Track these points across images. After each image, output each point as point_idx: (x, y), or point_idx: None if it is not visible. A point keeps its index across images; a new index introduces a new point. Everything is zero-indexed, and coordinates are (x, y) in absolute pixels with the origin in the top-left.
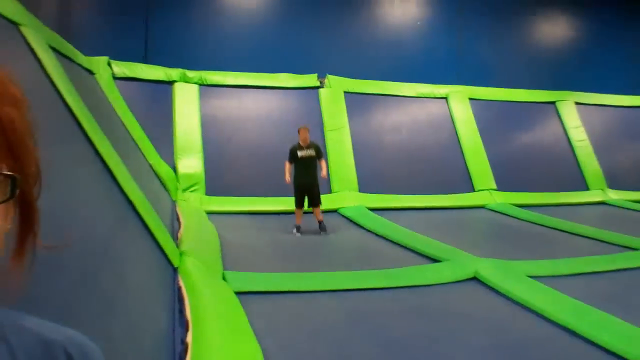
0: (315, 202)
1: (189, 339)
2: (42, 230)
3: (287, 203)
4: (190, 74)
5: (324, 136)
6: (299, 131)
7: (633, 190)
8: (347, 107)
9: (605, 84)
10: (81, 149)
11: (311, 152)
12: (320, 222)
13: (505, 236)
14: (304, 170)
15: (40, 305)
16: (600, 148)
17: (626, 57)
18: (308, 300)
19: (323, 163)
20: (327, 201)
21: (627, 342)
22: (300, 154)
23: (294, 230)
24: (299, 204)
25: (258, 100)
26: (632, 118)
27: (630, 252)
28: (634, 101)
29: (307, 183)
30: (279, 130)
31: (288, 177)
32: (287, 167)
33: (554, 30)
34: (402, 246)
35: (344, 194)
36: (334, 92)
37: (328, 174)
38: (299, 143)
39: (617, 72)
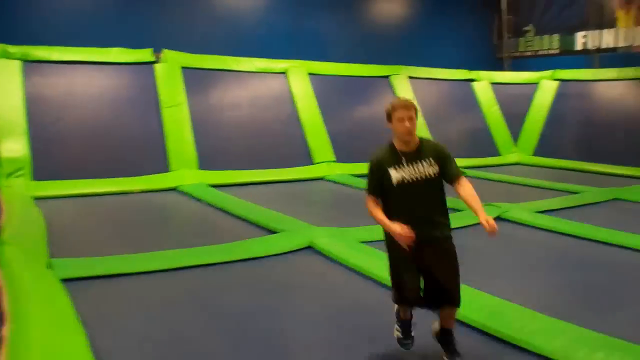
0: (445, 291)
1: (4, 332)
2: None
3: (124, 184)
4: (12, 49)
5: (160, 113)
6: (391, 112)
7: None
8: (185, 82)
9: (434, 60)
10: None
11: (427, 168)
12: (445, 332)
13: (342, 205)
14: (410, 209)
15: None
16: (431, 118)
17: (452, 36)
18: (142, 282)
19: (466, 188)
20: (163, 180)
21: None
22: (398, 175)
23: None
24: (403, 291)
25: (89, 76)
26: (458, 90)
27: (452, 213)
28: (461, 75)
29: (424, 236)
30: (113, 108)
31: (389, 224)
32: (374, 209)
33: (389, 8)
34: (240, 219)
35: (182, 172)
36: (170, 67)
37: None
38: (392, 145)
39: (444, 49)
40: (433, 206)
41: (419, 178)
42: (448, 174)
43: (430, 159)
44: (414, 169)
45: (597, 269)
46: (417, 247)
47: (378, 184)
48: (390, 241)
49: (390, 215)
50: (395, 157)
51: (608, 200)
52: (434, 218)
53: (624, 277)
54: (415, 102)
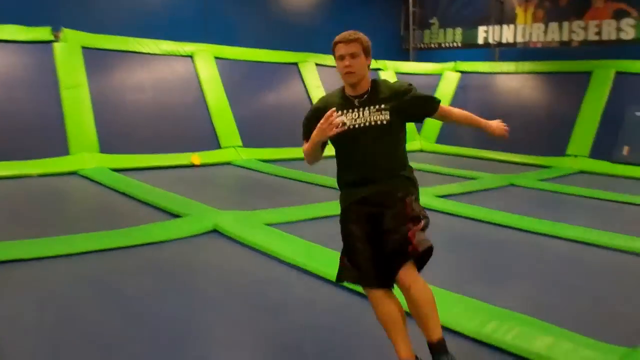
0: (397, 251)
1: None
2: None
3: (20, 167)
4: None
5: (59, 94)
6: (333, 49)
7: None
8: (85, 63)
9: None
10: None
11: (373, 115)
12: (435, 346)
13: (249, 189)
14: (359, 162)
15: None
16: None
17: (360, 25)
18: (38, 268)
19: (452, 110)
20: (62, 164)
21: None
22: (341, 119)
23: None
24: (360, 264)
25: None
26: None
27: None
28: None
29: (373, 196)
30: (8, 88)
31: (314, 134)
32: (308, 150)
33: None
34: (144, 203)
35: (83, 155)
36: (70, 47)
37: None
38: (342, 89)
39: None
40: (384, 159)
41: (362, 125)
42: (423, 110)
43: (382, 104)
44: (358, 115)
45: (492, 248)
46: (366, 209)
47: (309, 127)
48: (343, 215)
49: (340, 171)
50: (341, 102)
51: (504, 186)
52: (385, 173)
53: (516, 256)
54: (322, 90)
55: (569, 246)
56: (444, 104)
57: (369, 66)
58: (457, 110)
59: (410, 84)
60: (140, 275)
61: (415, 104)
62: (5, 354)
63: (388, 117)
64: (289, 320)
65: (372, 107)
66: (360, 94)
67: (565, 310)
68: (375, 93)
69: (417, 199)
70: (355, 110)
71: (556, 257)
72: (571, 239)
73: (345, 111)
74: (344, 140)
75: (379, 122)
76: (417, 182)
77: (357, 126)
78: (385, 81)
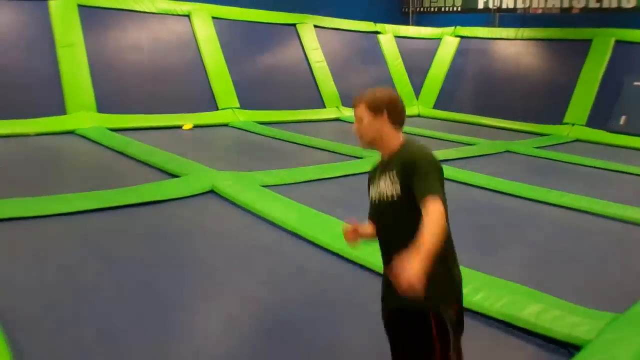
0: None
1: None
2: None
3: (17, 126)
4: None
5: (56, 53)
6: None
7: None
8: (82, 22)
9: (341, 11)
10: None
11: (385, 186)
12: None
13: (246, 151)
14: (381, 244)
15: None
16: (336, 69)
17: None
18: (34, 227)
19: (424, 218)
20: (60, 123)
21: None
22: (370, 193)
23: None
24: None
25: None
26: (363, 42)
27: (356, 160)
28: (367, 27)
29: (386, 295)
30: (4, 46)
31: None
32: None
33: None
34: (142, 162)
35: (80, 114)
36: (65, 4)
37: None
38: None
39: (351, 1)
40: (398, 246)
41: (379, 199)
42: (415, 192)
43: (394, 172)
44: (379, 185)
45: (486, 214)
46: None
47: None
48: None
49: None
50: (375, 169)
51: (500, 152)
52: (395, 247)
53: (509, 223)
54: (320, 52)
55: (563, 213)
56: (441, 72)
57: (392, 122)
58: (426, 220)
59: (425, 154)
60: (137, 235)
61: (415, 181)
62: (3, 312)
63: (399, 191)
64: (282, 288)
65: (387, 177)
66: (384, 160)
67: (557, 277)
68: (394, 159)
69: (442, 311)
70: (379, 178)
71: (549, 224)
72: (565, 206)
73: (373, 180)
74: (375, 214)
75: (389, 195)
76: (453, 281)
77: (375, 200)
78: (409, 145)
